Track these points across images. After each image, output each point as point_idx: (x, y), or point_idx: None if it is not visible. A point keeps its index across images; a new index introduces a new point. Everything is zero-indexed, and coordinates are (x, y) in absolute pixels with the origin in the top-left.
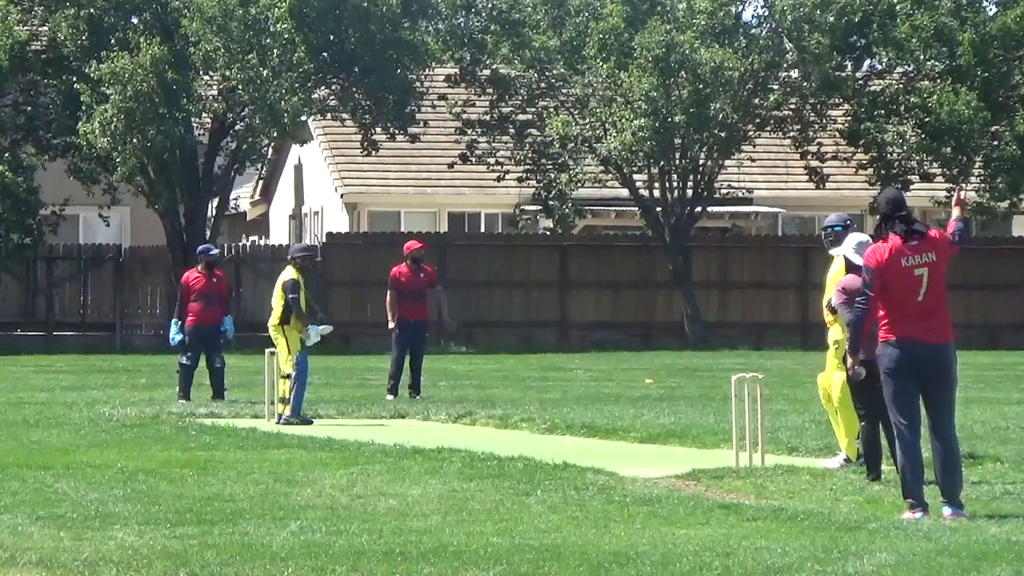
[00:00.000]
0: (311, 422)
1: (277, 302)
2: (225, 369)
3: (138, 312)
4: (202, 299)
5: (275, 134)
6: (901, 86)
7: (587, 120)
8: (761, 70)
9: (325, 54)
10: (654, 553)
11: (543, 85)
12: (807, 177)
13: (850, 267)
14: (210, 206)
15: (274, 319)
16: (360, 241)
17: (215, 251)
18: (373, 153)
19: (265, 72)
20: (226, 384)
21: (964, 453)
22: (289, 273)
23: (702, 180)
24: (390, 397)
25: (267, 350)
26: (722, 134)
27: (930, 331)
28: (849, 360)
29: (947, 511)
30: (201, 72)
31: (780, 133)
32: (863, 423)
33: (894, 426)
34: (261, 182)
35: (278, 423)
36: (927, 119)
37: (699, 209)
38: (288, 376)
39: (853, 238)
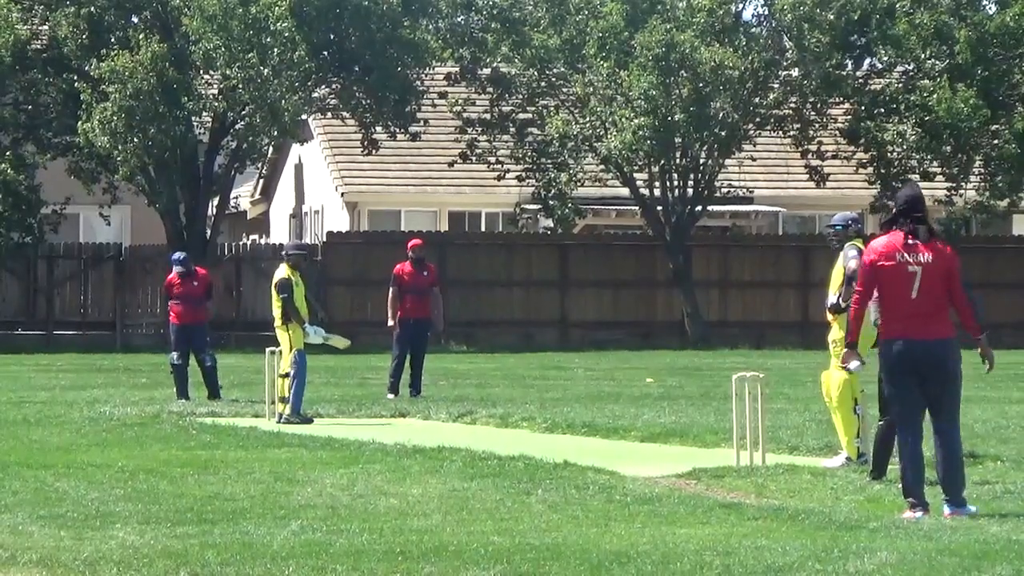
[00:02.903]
0: (311, 421)
1: (275, 302)
2: (216, 367)
3: (138, 311)
4: (181, 300)
5: (275, 133)
6: (901, 85)
7: (587, 119)
8: (761, 69)
9: (325, 53)
10: (655, 552)
11: (543, 84)
12: (807, 176)
13: None
14: (210, 205)
15: (277, 319)
16: (360, 240)
17: (179, 256)
18: (373, 152)
19: (265, 71)
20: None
21: (965, 452)
22: (282, 272)
23: (702, 179)
24: (391, 396)
25: (267, 349)
26: (722, 133)
27: (925, 329)
28: (844, 352)
29: (947, 510)
30: (201, 71)
31: (780, 132)
32: (881, 422)
33: (897, 428)
34: (261, 181)
35: (278, 422)
36: (927, 118)
37: (699, 208)
38: (287, 375)
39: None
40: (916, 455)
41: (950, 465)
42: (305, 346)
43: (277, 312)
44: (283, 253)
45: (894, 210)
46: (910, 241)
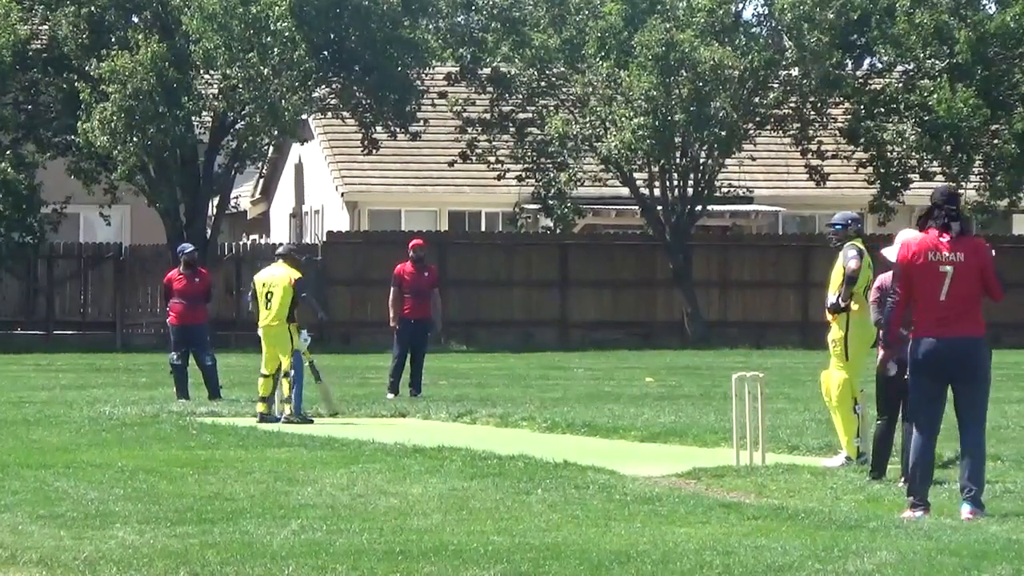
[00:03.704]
0: (312, 421)
1: (284, 299)
2: (216, 367)
3: (138, 311)
4: (183, 299)
5: (276, 133)
6: (901, 85)
7: (587, 119)
8: (761, 68)
9: (325, 52)
10: (655, 552)
11: (543, 83)
12: (807, 176)
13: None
14: (210, 205)
15: (281, 316)
16: (360, 240)
17: (190, 248)
18: (373, 152)
19: (265, 70)
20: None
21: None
22: (293, 271)
23: (702, 179)
24: (391, 395)
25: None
26: (722, 133)
27: (955, 327)
28: (881, 354)
29: (968, 507)
30: (201, 70)
31: (780, 131)
32: (879, 420)
33: (913, 425)
34: (261, 181)
35: (281, 422)
36: (927, 117)
37: (699, 208)
38: (288, 375)
39: (902, 235)
40: (928, 455)
41: (975, 465)
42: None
43: (284, 308)
44: (286, 253)
45: (929, 205)
46: (943, 239)
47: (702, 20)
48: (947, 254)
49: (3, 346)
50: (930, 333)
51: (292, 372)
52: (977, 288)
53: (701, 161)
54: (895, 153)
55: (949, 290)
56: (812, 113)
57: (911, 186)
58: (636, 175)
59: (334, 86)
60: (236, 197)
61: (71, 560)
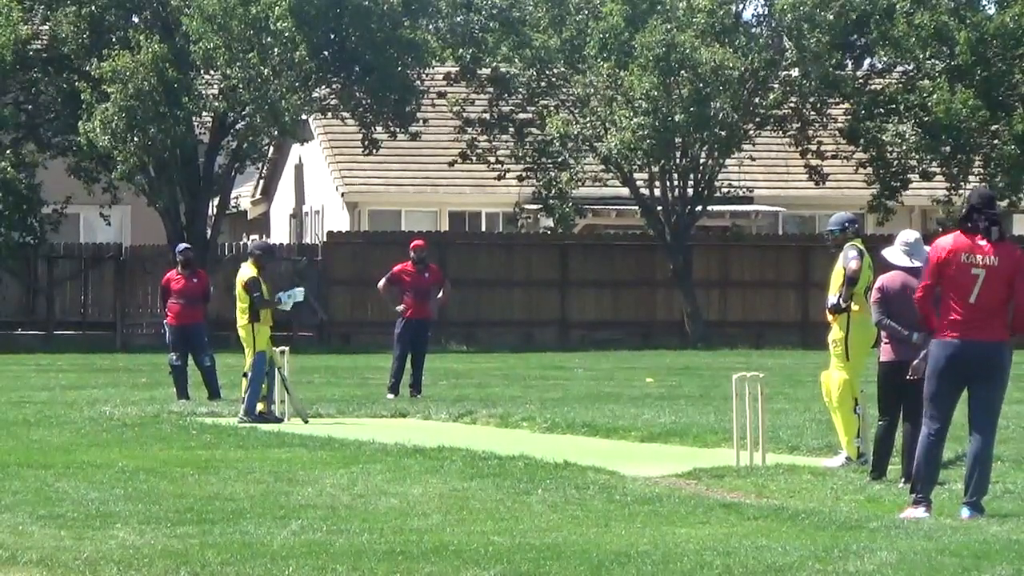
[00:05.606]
0: (280, 420)
1: (240, 299)
2: (215, 367)
3: (139, 311)
4: (181, 299)
5: (276, 133)
6: (901, 85)
7: (587, 119)
8: (761, 69)
9: (326, 53)
10: (655, 552)
11: (543, 84)
12: (807, 176)
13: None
14: (211, 205)
15: (243, 319)
16: (361, 240)
17: (183, 247)
18: (373, 152)
19: (266, 71)
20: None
21: (962, 453)
22: (249, 271)
23: (702, 179)
24: (391, 396)
25: (274, 349)
26: (722, 133)
27: (982, 331)
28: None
29: (966, 512)
30: (202, 70)
31: (780, 132)
32: (880, 421)
33: (924, 423)
34: (262, 181)
35: (238, 423)
36: (926, 118)
37: (699, 208)
38: (246, 375)
39: (903, 236)
40: (938, 455)
41: (982, 468)
42: (292, 340)
43: (243, 311)
44: (248, 252)
45: (968, 206)
46: (979, 242)
47: (702, 21)
48: (981, 257)
49: (3, 346)
50: (956, 335)
51: (249, 373)
52: (1007, 294)
53: (701, 161)
54: (894, 153)
55: (979, 293)
56: (812, 113)
57: (910, 186)
58: (636, 175)
59: (334, 86)
60: (236, 197)
61: (71, 560)
